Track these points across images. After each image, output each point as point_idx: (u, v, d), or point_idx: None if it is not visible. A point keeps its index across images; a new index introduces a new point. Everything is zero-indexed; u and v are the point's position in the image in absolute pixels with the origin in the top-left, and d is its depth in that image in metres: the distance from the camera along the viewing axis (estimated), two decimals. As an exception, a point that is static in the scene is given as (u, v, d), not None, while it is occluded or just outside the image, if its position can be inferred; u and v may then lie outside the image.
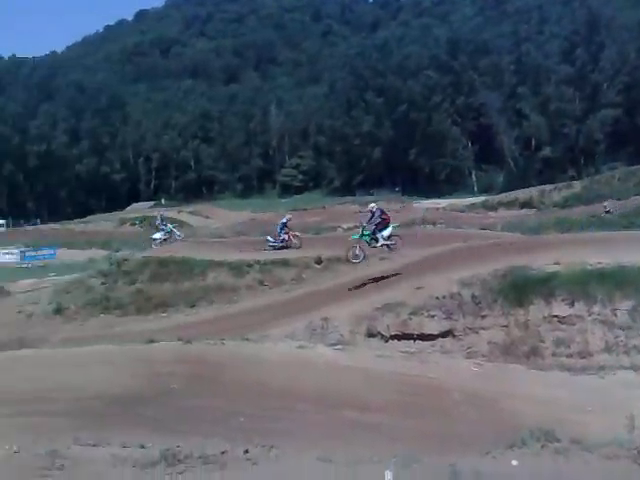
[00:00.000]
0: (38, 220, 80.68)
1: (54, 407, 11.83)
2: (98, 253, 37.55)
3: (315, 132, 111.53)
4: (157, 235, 34.98)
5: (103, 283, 24.81)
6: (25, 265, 41.02)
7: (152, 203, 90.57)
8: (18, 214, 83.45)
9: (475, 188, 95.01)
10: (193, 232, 45.57)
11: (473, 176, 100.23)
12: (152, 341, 16.02)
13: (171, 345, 15.86)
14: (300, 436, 10.93)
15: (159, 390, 13.26)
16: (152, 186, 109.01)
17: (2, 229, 72.17)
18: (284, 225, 27.79)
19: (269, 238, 27.91)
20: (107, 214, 77.59)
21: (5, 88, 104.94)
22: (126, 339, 17.01)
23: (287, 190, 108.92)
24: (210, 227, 54.85)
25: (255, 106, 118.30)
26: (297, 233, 28.45)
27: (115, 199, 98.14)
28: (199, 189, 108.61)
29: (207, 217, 67.68)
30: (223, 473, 9.20)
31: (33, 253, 44.20)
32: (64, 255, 42.20)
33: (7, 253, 44.64)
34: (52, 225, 67.97)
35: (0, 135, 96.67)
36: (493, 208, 46.86)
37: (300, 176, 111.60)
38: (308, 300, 20.06)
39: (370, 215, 19.15)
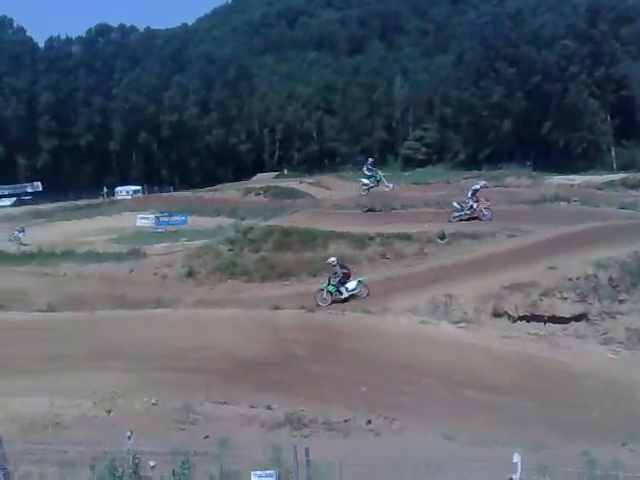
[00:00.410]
0: (171, 187, 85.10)
1: (188, 365, 12.49)
2: (226, 221, 38.92)
3: (441, 103, 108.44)
4: (365, 181, 33.52)
5: (230, 250, 25.70)
6: (159, 230, 43.22)
7: (275, 174, 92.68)
8: (152, 181, 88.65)
9: (614, 165, 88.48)
10: (315, 203, 46.07)
11: (612, 152, 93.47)
12: (277, 308, 16.49)
13: (295, 313, 16.24)
14: (423, 411, 10.83)
15: (284, 355, 13.64)
16: (276, 157, 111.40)
17: (138, 195, 77.01)
18: (475, 192, 25.42)
19: (455, 204, 25.69)
20: (234, 183, 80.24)
21: (140, 60, 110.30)
22: (252, 304, 17.61)
23: (409, 163, 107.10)
24: (331, 198, 55.18)
25: (379, 77, 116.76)
26: (488, 203, 25.63)
27: (241, 169, 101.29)
28: (321, 161, 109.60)
29: (328, 188, 68.21)
30: (346, 441, 9.31)
31: (166, 219, 46.53)
32: (194, 222, 44.02)
33: (143, 218, 47.34)
34: (184, 192, 71.43)
35: (136, 105, 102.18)
36: (634, 186, 43.39)
37: (423, 149, 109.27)
38: (431, 275, 19.67)
39: (334, 272, 19.68)
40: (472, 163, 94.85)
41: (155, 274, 24.40)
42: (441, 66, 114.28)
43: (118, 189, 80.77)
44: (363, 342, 14.13)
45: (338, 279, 19.48)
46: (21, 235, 36.59)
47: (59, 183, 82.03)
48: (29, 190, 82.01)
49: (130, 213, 50.02)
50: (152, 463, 7.04)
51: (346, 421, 9.98)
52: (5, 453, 6.90)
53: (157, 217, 46.44)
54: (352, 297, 19.50)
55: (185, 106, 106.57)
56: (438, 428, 9.53)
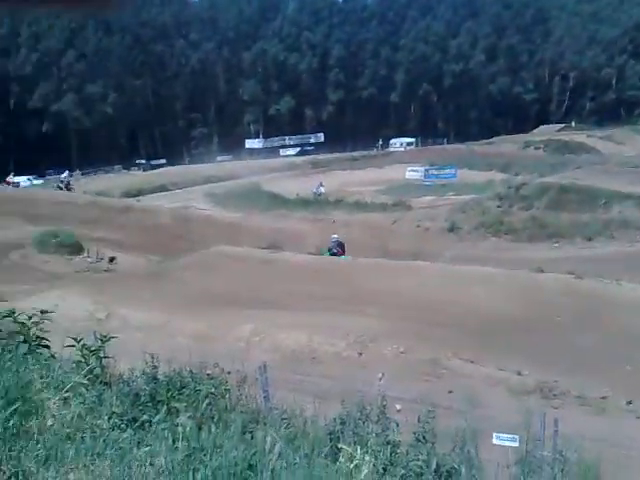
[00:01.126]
0: (445, 140, 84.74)
1: (438, 319, 12.52)
2: (497, 176, 37.68)
3: None
4: None
5: (498, 206, 24.91)
6: (427, 183, 43.56)
7: (561, 126, 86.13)
8: (427, 133, 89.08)
9: None
10: (602, 159, 41.89)
11: None
12: (541, 270, 15.52)
13: (561, 277, 15.12)
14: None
15: (542, 320, 12.83)
16: (563, 108, 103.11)
17: (411, 147, 78.27)
18: None
19: None
20: (512, 136, 76.83)
21: (432, 7, 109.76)
22: (515, 265, 16.86)
23: None
24: (622, 155, 49.43)
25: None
26: None
27: (522, 121, 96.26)
28: (616, 112, 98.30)
29: (620, 143, 61.31)
30: (600, 419, 8.53)
31: (435, 172, 46.63)
32: (464, 175, 43.46)
33: (412, 170, 48.14)
34: (456, 145, 70.66)
35: (421, 55, 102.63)
36: None
37: None
38: None
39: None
40: None
41: (418, 226, 24.79)
42: None
43: (392, 141, 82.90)
44: (634, 317, 12.60)
45: (334, 252, 20.59)
46: (321, 189, 39.53)
47: (339, 135, 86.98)
48: (312, 141, 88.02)
49: (401, 165, 51.15)
50: (398, 407, 7.28)
51: (603, 398, 9.10)
52: (268, 378, 7.73)
53: (426, 170, 46.78)
54: None
55: (472, 54, 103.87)
56: None
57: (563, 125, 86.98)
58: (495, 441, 6.42)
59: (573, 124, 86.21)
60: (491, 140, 72.94)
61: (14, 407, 3.65)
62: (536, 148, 58.29)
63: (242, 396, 6.38)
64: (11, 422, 3.59)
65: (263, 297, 14.28)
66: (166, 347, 8.34)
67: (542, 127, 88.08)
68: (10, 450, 3.27)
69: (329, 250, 21.32)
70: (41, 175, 62.87)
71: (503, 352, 10.89)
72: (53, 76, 79.55)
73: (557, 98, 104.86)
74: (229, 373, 7.04)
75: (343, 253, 21.37)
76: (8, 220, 22.94)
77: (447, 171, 45.92)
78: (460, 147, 65.60)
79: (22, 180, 59.10)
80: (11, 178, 45.47)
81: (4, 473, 3.11)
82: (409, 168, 47.98)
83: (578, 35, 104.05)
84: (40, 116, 75.97)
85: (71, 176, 38.34)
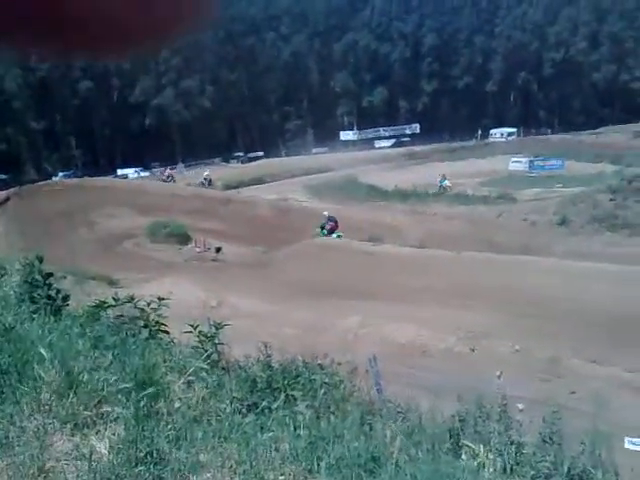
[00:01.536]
0: (549, 130, 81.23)
1: (554, 316, 11.89)
2: (608, 168, 35.75)
3: None
4: None
5: (611, 200, 23.53)
6: (532, 174, 41.84)
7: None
8: (529, 123, 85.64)
9: None
10: None
11: None
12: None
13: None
14: None
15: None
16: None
17: (513, 137, 75.57)
18: None
19: None
20: (620, 126, 72.63)
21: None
22: (633, 261, 15.79)
23: None
24: None
25: None
26: None
27: (631, 110, 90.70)
28: None
29: None
30: None
31: (541, 163, 44.67)
32: (571, 167, 41.49)
33: (516, 161, 46.33)
34: (562, 135, 67.63)
35: (519, 43, 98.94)
36: None
37: None
38: None
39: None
40: None
41: (524, 220, 23.86)
42: None
43: (492, 131, 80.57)
44: None
45: (328, 228, 22.61)
46: (446, 182, 38.31)
47: (435, 125, 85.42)
48: (407, 132, 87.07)
49: (503, 156, 49.52)
50: (520, 406, 6.95)
51: None
52: (379, 371, 7.55)
53: (531, 161, 45.02)
54: None
55: (572, 41, 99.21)
56: None
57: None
58: (627, 446, 5.97)
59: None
60: (598, 130, 69.25)
61: (148, 390, 3.72)
62: (650, 138, 54.71)
63: (354, 387, 6.32)
64: (141, 403, 3.67)
65: (367, 289, 14.16)
66: (275, 336, 8.37)
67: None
68: (143, 430, 3.33)
69: (322, 228, 22.61)
70: (147, 168, 65.79)
71: (628, 352, 10.16)
72: (152, 71, 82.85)
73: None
74: (339, 364, 6.96)
75: (337, 227, 22.63)
76: (121, 211, 24.12)
77: (553, 162, 43.94)
78: (566, 137, 62.71)
79: (130, 172, 62.24)
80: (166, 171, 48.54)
81: (140, 451, 3.16)
82: (513, 159, 46.31)
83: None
84: (142, 110, 79.37)
85: (207, 179, 40.30)
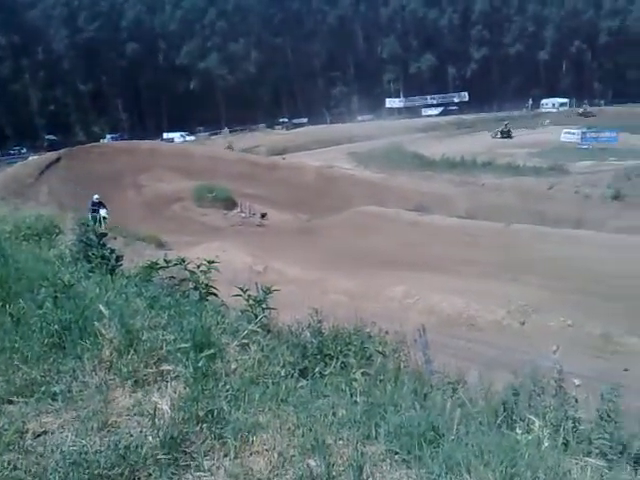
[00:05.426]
0: (602, 101, 78.55)
1: (608, 291, 11.54)
2: (665, 140, 34.28)
3: None
4: None
5: (669, 173, 22.59)
6: (585, 146, 40.61)
7: None
8: (582, 94, 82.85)
9: None
10: None
11: None
12: None
13: None
14: None
15: None
16: None
17: (565, 108, 73.24)
18: None
19: None
20: (678, 98, 69.69)
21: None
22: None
23: None
24: None
25: None
26: None
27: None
28: None
29: None
30: None
31: (594, 135, 43.27)
32: (627, 140, 40.00)
33: (568, 133, 44.98)
34: (617, 107, 65.31)
35: (573, 10, 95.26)
36: None
37: None
38: None
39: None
40: None
41: (576, 192, 23.17)
42: None
43: (544, 101, 78.28)
44: None
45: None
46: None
47: (484, 94, 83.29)
48: (456, 100, 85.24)
49: (555, 127, 48.04)
50: (577, 382, 6.77)
51: None
52: (427, 341, 7.43)
53: (584, 132, 43.60)
54: None
55: (629, 10, 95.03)
56: None
57: None
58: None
59: None
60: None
61: (206, 352, 3.70)
62: None
63: (403, 357, 6.21)
64: (200, 363, 3.65)
65: (413, 259, 13.97)
66: (322, 302, 8.32)
67: None
68: (203, 389, 3.32)
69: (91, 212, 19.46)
70: (192, 132, 66.11)
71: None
72: (197, 34, 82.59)
73: None
74: (387, 333, 6.87)
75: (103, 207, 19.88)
76: (168, 174, 24.29)
77: (607, 134, 42.42)
78: (621, 109, 60.43)
79: (176, 136, 62.66)
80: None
81: (202, 410, 3.14)
82: (565, 130, 44.94)
83: None
84: (187, 73, 79.44)
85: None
